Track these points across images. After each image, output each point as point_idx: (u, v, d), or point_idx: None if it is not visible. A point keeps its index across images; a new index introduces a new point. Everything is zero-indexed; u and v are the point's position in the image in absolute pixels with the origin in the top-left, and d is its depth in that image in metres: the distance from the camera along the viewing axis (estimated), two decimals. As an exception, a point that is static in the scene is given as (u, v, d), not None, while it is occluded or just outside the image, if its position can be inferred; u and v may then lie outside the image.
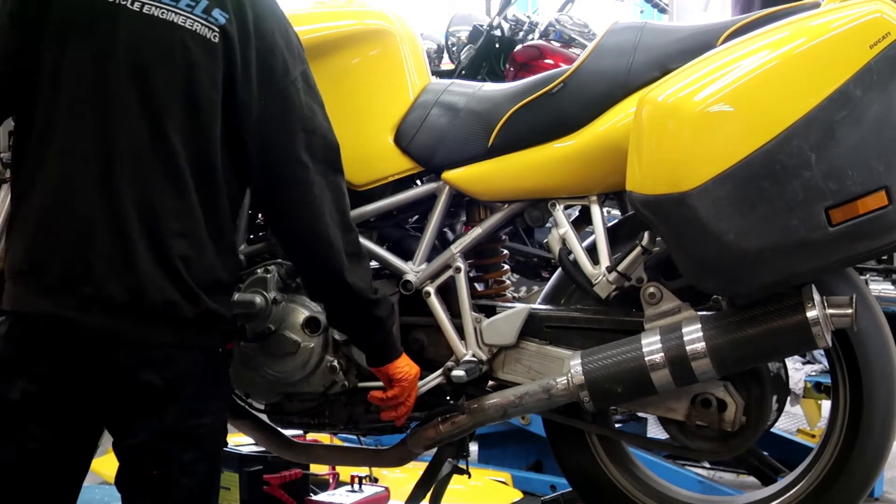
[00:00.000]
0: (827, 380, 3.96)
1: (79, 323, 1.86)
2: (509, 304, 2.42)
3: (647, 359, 2.11)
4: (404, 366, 2.24)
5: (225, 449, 3.00)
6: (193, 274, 1.91)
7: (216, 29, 1.92)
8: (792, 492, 2.30)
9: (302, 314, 2.41)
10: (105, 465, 2.58)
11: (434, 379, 2.38)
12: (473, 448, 4.30)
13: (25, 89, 1.92)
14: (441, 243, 2.46)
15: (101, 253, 1.86)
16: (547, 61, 5.44)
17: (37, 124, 1.90)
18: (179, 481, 1.95)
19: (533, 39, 5.90)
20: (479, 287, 2.50)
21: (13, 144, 2.16)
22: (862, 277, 3.04)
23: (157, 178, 1.88)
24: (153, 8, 1.89)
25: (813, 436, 4.34)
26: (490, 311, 2.40)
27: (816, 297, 2.02)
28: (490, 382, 2.41)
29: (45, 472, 1.94)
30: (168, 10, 1.89)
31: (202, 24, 1.91)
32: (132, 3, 1.88)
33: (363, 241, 2.42)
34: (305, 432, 2.92)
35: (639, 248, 2.21)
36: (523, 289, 3.25)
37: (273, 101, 1.98)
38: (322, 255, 2.07)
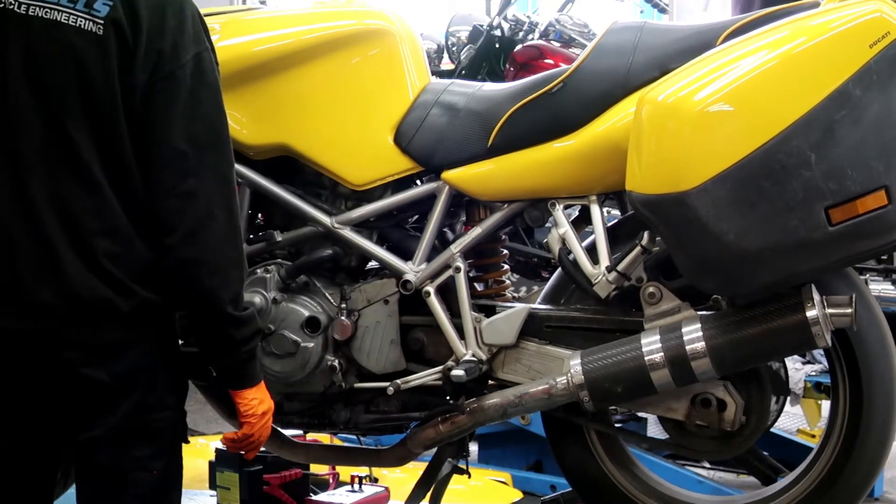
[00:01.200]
0: (827, 380, 3.96)
1: (18, 331, 1.86)
2: (509, 304, 2.42)
3: (646, 358, 2.11)
4: (254, 398, 2.05)
5: (225, 449, 2.99)
6: (123, 269, 1.88)
7: (100, 21, 1.87)
8: (792, 492, 2.30)
9: (302, 314, 2.41)
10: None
11: (432, 376, 2.38)
12: (473, 448, 4.30)
13: None
14: (441, 243, 2.46)
15: (26, 262, 1.84)
16: (547, 61, 5.44)
17: None
18: (137, 477, 1.93)
19: (533, 39, 5.90)
20: (479, 287, 2.50)
21: None
22: (862, 277, 3.05)
23: (68, 180, 1.86)
24: (37, 9, 1.86)
25: (813, 436, 4.34)
26: (490, 311, 2.39)
27: (816, 296, 2.02)
28: (490, 382, 2.41)
29: (12, 482, 1.93)
30: (52, 9, 1.86)
31: (85, 19, 1.86)
32: (18, 7, 1.86)
33: (363, 241, 2.43)
34: (305, 432, 2.92)
35: (638, 248, 2.21)
36: (523, 289, 3.25)
37: (158, 84, 1.90)
38: (187, 252, 1.90)
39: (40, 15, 1.86)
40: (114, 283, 1.87)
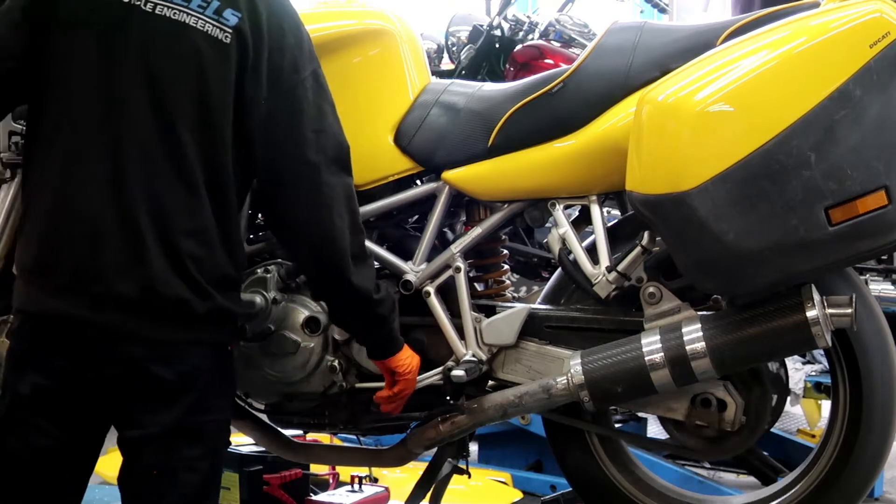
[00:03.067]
0: (827, 380, 3.96)
1: (91, 321, 1.87)
2: (509, 304, 2.42)
3: (646, 359, 2.11)
4: (406, 358, 2.25)
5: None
6: (204, 272, 1.92)
7: (228, 30, 1.92)
8: (792, 492, 2.30)
9: (302, 314, 2.41)
10: (106, 465, 2.58)
11: (432, 377, 2.38)
12: (473, 448, 4.30)
13: (34, 87, 1.92)
14: (441, 243, 2.47)
15: (111, 252, 1.87)
16: (547, 61, 5.44)
17: (45, 123, 1.91)
18: (182, 477, 1.96)
19: (533, 39, 5.90)
20: (479, 287, 2.50)
21: (23, 144, 2.17)
22: (862, 277, 3.04)
23: (167, 177, 1.89)
24: (165, 8, 1.89)
25: (813, 436, 4.34)
26: (490, 311, 2.39)
27: (816, 296, 2.02)
28: (490, 382, 2.40)
29: (54, 467, 1.95)
30: (180, 11, 1.90)
31: (213, 25, 1.91)
32: (145, 4, 1.89)
33: (363, 241, 2.44)
34: (305, 432, 2.92)
35: (639, 248, 2.21)
36: (523, 289, 3.25)
37: (281, 99, 1.97)
38: (328, 257, 2.06)
39: (168, 15, 1.89)
40: (193, 285, 1.91)
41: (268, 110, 1.96)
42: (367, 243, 2.41)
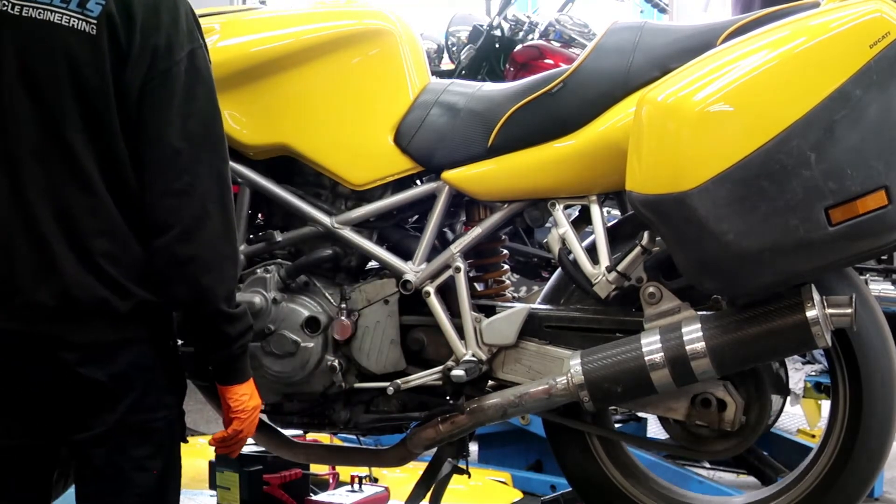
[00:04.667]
0: (827, 380, 3.96)
1: (16, 331, 1.86)
2: (509, 304, 2.42)
3: (646, 359, 2.11)
4: (242, 394, 2.05)
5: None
6: (119, 269, 1.88)
7: (93, 20, 1.86)
8: (792, 492, 2.30)
9: (302, 314, 2.41)
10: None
11: (432, 376, 2.38)
12: (473, 448, 4.30)
13: None
14: (441, 243, 2.46)
15: (23, 261, 1.84)
16: (547, 61, 5.44)
17: None
18: (133, 477, 1.93)
19: (533, 39, 5.90)
20: (479, 287, 2.50)
21: None
22: (862, 277, 3.04)
23: (64, 180, 1.86)
24: (31, 10, 1.85)
25: (813, 436, 4.33)
26: (490, 311, 2.39)
27: (816, 296, 2.02)
28: (490, 382, 2.41)
29: (17, 468, 1.94)
30: (45, 10, 1.86)
31: (78, 18, 1.86)
32: (12, 7, 1.85)
33: (363, 241, 2.43)
34: (305, 432, 2.92)
35: (638, 248, 2.21)
36: (523, 289, 3.25)
37: (154, 82, 1.89)
38: (182, 249, 1.89)
39: (33, 16, 1.85)
40: (111, 284, 1.87)
41: (139, 94, 1.88)
42: (367, 243, 2.43)
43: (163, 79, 1.89)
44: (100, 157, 1.87)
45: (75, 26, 1.86)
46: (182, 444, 2.05)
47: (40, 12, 1.86)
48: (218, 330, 1.96)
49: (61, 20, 1.86)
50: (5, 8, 1.85)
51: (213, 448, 2.17)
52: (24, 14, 1.85)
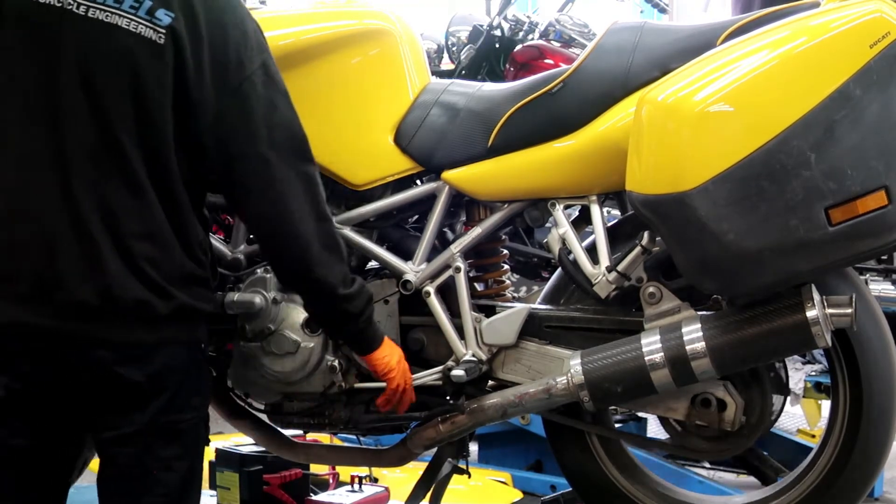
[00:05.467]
0: (827, 380, 3.96)
1: (56, 329, 1.87)
2: (509, 304, 2.42)
3: (646, 359, 2.11)
4: (384, 356, 2.24)
5: (225, 449, 3.00)
6: (162, 272, 1.91)
7: (161, 30, 1.89)
8: (792, 492, 2.30)
9: (302, 314, 2.41)
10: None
11: (432, 376, 2.38)
12: (473, 448, 4.30)
13: None
14: (441, 243, 2.47)
15: (68, 259, 1.86)
16: (547, 61, 5.44)
17: None
18: (159, 477, 1.95)
19: (533, 39, 5.90)
20: (479, 287, 2.50)
21: None
22: (862, 277, 3.04)
23: (113, 181, 1.87)
24: (97, 11, 1.87)
25: (813, 436, 4.33)
26: (490, 311, 2.39)
27: (816, 296, 2.02)
28: (490, 382, 2.41)
29: (31, 468, 1.95)
30: (112, 13, 1.87)
31: (146, 26, 1.88)
32: (77, 7, 1.86)
33: (363, 241, 2.43)
34: (305, 432, 2.92)
35: (638, 248, 2.21)
36: (523, 289, 3.25)
37: (229, 98, 1.94)
38: (288, 251, 2.05)
39: (100, 17, 1.87)
40: (152, 286, 1.90)
41: (216, 112, 1.93)
42: (367, 243, 2.43)
43: (239, 94, 1.95)
44: (150, 162, 1.90)
45: (142, 33, 1.88)
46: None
47: (107, 15, 1.87)
48: (342, 311, 2.13)
49: (128, 25, 1.88)
50: (70, 7, 1.86)
51: (214, 447, 2.19)
52: (89, 15, 1.87)
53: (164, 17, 1.89)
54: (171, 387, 1.95)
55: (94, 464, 2.09)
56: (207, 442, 2.09)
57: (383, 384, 2.39)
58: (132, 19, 1.88)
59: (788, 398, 2.38)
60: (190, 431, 2.00)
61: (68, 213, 1.86)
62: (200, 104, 1.92)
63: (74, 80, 1.86)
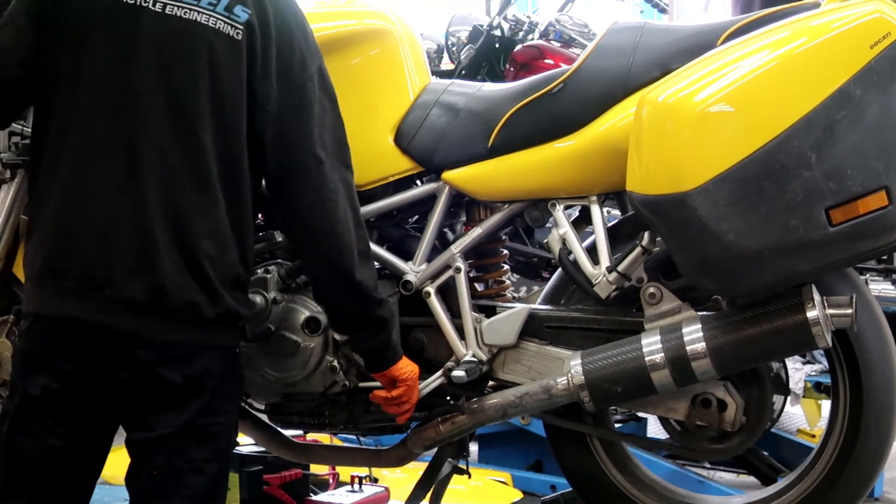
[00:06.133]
0: (827, 380, 3.96)
1: (101, 324, 1.88)
2: (509, 305, 2.42)
3: (647, 359, 2.11)
4: (406, 366, 2.24)
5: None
6: (218, 272, 1.92)
7: (240, 26, 1.92)
8: (792, 492, 2.30)
9: (302, 314, 2.40)
10: (107, 465, 2.58)
11: (435, 380, 2.38)
12: (473, 448, 4.30)
13: (42, 90, 1.92)
14: (441, 243, 2.46)
15: (122, 253, 1.86)
16: (547, 61, 5.44)
17: (54, 126, 1.90)
18: (189, 478, 1.96)
19: (533, 39, 5.90)
20: (480, 287, 2.50)
21: (27, 145, 2.17)
22: (862, 277, 3.04)
23: (182, 178, 1.89)
24: (175, 8, 1.89)
25: (813, 436, 4.33)
26: (490, 312, 2.39)
27: (816, 297, 2.02)
28: (490, 382, 2.41)
29: (63, 467, 1.96)
30: (191, 10, 1.89)
31: (225, 22, 1.91)
32: (154, 4, 1.88)
33: (364, 240, 2.43)
34: (305, 432, 2.92)
35: (639, 249, 2.21)
36: (523, 289, 3.25)
37: (291, 96, 1.98)
38: (334, 252, 2.06)
39: (178, 14, 1.89)
40: (207, 287, 1.91)
41: (278, 107, 1.97)
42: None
43: (300, 93, 1.99)
44: (221, 159, 1.92)
45: (221, 29, 1.90)
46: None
47: (186, 11, 1.89)
48: (378, 316, 2.15)
49: (208, 21, 1.90)
50: (146, 4, 1.88)
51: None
52: (167, 11, 1.88)
53: (241, 13, 1.92)
54: (208, 390, 1.95)
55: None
56: (236, 444, 2.10)
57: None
58: (211, 15, 1.90)
59: (788, 398, 2.38)
60: (222, 435, 2.01)
61: (129, 207, 1.86)
62: (265, 99, 1.95)
63: (151, 76, 1.88)
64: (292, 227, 2.12)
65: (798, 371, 4.17)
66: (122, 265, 1.86)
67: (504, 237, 2.56)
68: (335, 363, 2.41)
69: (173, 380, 1.91)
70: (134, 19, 1.88)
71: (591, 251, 2.29)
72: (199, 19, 1.89)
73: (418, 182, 2.48)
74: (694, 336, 2.09)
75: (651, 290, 2.20)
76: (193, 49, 1.89)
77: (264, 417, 2.61)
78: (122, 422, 1.98)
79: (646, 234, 2.20)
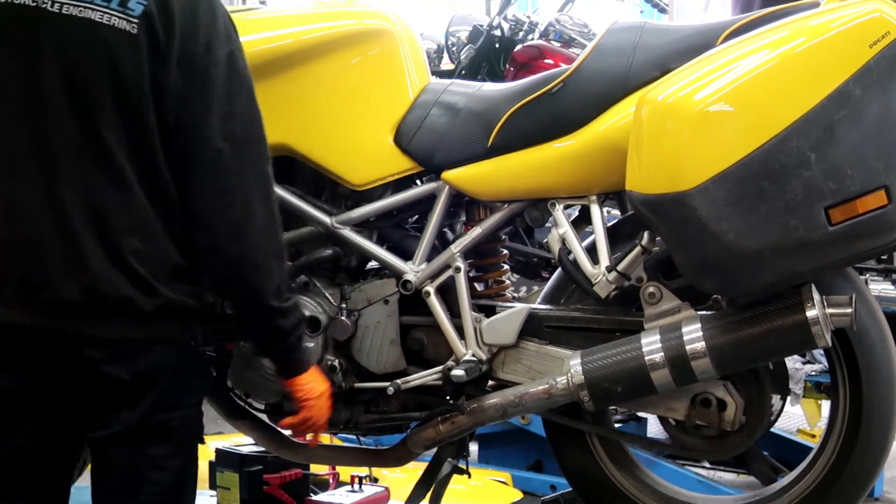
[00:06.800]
0: (827, 380, 3.96)
1: (44, 328, 1.87)
2: (509, 304, 2.42)
3: (646, 358, 2.11)
4: (308, 383, 2.12)
5: (225, 449, 2.99)
6: (148, 267, 1.89)
7: (134, 20, 1.87)
8: (792, 492, 2.30)
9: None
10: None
11: (432, 377, 2.38)
12: (473, 448, 4.30)
13: None
14: (441, 243, 2.46)
15: (53, 257, 1.85)
16: (547, 61, 5.45)
17: None
18: (151, 476, 1.94)
19: (533, 39, 5.91)
20: (479, 287, 2.50)
21: None
22: (862, 277, 3.05)
23: (98, 177, 1.87)
24: (71, 7, 1.86)
25: (813, 436, 4.34)
26: (490, 311, 2.39)
27: (816, 296, 2.02)
28: (490, 382, 2.40)
29: (33, 469, 1.95)
30: (85, 8, 1.86)
31: (119, 17, 1.87)
32: (52, 5, 1.86)
33: (363, 241, 2.43)
34: (305, 432, 2.92)
35: (638, 248, 2.21)
36: (523, 289, 3.25)
37: (193, 83, 1.91)
38: (231, 251, 1.94)
39: (74, 14, 1.86)
40: (138, 282, 1.88)
41: (179, 95, 1.90)
42: (367, 243, 2.42)
43: (203, 80, 1.91)
44: (134, 154, 1.89)
45: (116, 25, 1.87)
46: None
47: (81, 10, 1.86)
48: (272, 325, 2.02)
49: (102, 18, 1.87)
50: (45, 5, 1.86)
51: (214, 448, 2.18)
52: (63, 12, 1.86)
53: (136, 5, 1.88)
54: (160, 385, 1.93)
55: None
56: (202, 440, 2.08)
57: (384, 384, 2.40)
58: (105, 12, 1.87)
59: (788, 398, 2.38)
60: (182, 430, 1.99)
61: (52, 212, 1.85)
62: (168, 87, 1.89)
63: (54, 78, 1.85)
64: (187, 218, 1.94)
65: (798, 371, 4.17)
66: (55, 268, 1.85)
67: (504, 237, 2.56)
68: (335, 363, 2.41)
69: (121, 377, 1.89)
70: (34, 23, 1.86)
71: (591, 251, 2.29)
72: (93, 17, 1.87)
73: (418, 182, 2.48)
74: (693, 335, 2.09)
75: (651, 289, 2.20)
76: (91, 48, 1.86)
77: (264, 417, 2.61)
78: (83, 422, 1.95)
79: (645, 234, 2.20)
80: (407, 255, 2.43)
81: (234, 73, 1.96)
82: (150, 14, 1.88)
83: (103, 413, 1.93)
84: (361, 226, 2.45)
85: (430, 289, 2.39)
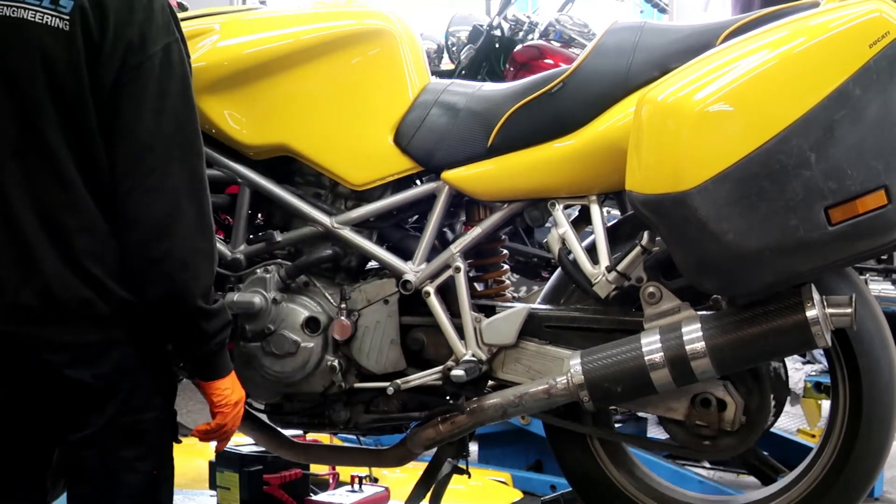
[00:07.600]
0: (827, 380, 3.96)
1: (6, 333, 1.86)
2: (509, 304, 2.42)
3: (646, 358, 2.11)
4: (226, 388, 2.06)
5: (225, 449, 3.00)
6: (102, 266, 1.87)
7: (66, 16, 1.85)
8: (792, 492, 2.30)
9: (302, 314, 2.41)
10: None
11: (431, 377, 2.38)
12: (473, 448, 4.30)
13: None
14: (441, 243, 2.46)
15: (6, 262, 1.84)
16: (547, 61, 5.45)
17: None
18: (123, 478, 1.93)
19: (533, 39, 5.91)
20: (479, 287, 2.50)
21: None
22: (862, 277, 3.05)
23: (43, 178, 1.85)
24: (4, 8, 1.85)
25: (813, 436, 4.34)
26: (490, 311, 2.39)
27: (816, 296, 2.02)
28: (490, 382, 2.40)
29: (3, 476, 1.95)
30: (18, 8, 1.85)
31: (52, 15, 1.85)
32: None
33: (363, 241, 2.43)
34: (305, 432, 2.92)
35: (638, 248, 2.21)
36: (523, 289, 3.26)
37: (127, 77, 1.88)
38: (156, 246, 1.89)
39: (7, 14, 1.85)
40: (93, 283, 1.87)
41: (112, 90, 1.87)
42: (367, 243, 2.42)
43: (135, 74, 1.87)
44: (77, 153, 1.86)
45: (49, 23, 1.85)
46: (181, 445, 2.05)
47: (14, 10, 1.85)
48: (196, 327, 1.96)
49: (34, 17, 1.85)
50: None
51: (213, 447, 2.17)
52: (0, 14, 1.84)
53: (66, 2, 1.85)
54: (124, 387, 1.92)
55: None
56: (178, 441, 2.06)
57: (384, 384, 2.39)
58: (37, 10, 1.85)
59: (788, 398, 2.38)
60: (152, 431, 1.97)
61: (3, 218, 1.84)
62: (102, 82, 1.86)
63: None
64: (116, 216, 1.90)
65: (798, 371, 4.17)
66: (11, 274, 1.84)
67: (504, 237, 2.56)
68: (335, 363, 2.42)
69: (84, 380, 1.88)
70: None
71: (591, 251, 2.29)
72: (26, 16, 1.85)
73: (418, 182, 2.48)
74: (693, 335, 2.09)
75: (650, 289, 2.20)
76: (26, 48, 1.85)
77: (264, 417, 2.61)
78: (49, 427, 1.94)
79: (645, 234, 2.20)
80: (407, 255, 2.43)
81: (169, 67, 1.91)
82: (83, 9, 1.86)
83: (72, 417, 1.91)
84: (361, 226, 2.45)
85: (430, 289, 2.39)
